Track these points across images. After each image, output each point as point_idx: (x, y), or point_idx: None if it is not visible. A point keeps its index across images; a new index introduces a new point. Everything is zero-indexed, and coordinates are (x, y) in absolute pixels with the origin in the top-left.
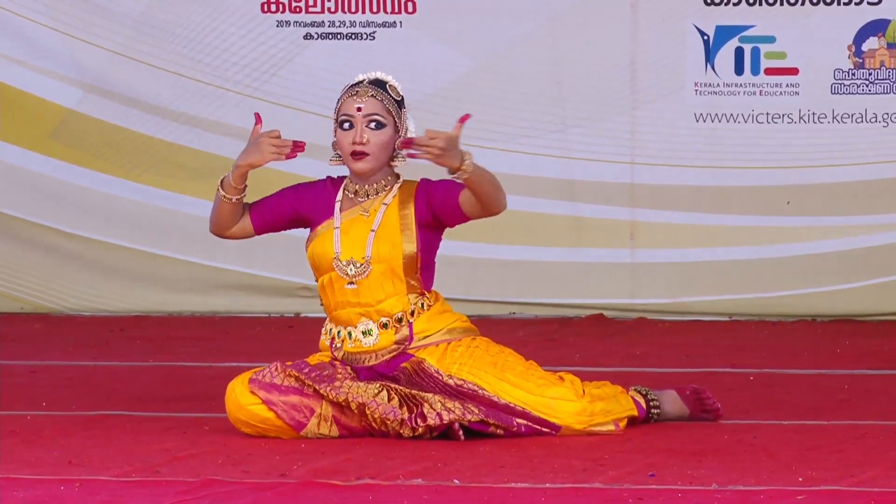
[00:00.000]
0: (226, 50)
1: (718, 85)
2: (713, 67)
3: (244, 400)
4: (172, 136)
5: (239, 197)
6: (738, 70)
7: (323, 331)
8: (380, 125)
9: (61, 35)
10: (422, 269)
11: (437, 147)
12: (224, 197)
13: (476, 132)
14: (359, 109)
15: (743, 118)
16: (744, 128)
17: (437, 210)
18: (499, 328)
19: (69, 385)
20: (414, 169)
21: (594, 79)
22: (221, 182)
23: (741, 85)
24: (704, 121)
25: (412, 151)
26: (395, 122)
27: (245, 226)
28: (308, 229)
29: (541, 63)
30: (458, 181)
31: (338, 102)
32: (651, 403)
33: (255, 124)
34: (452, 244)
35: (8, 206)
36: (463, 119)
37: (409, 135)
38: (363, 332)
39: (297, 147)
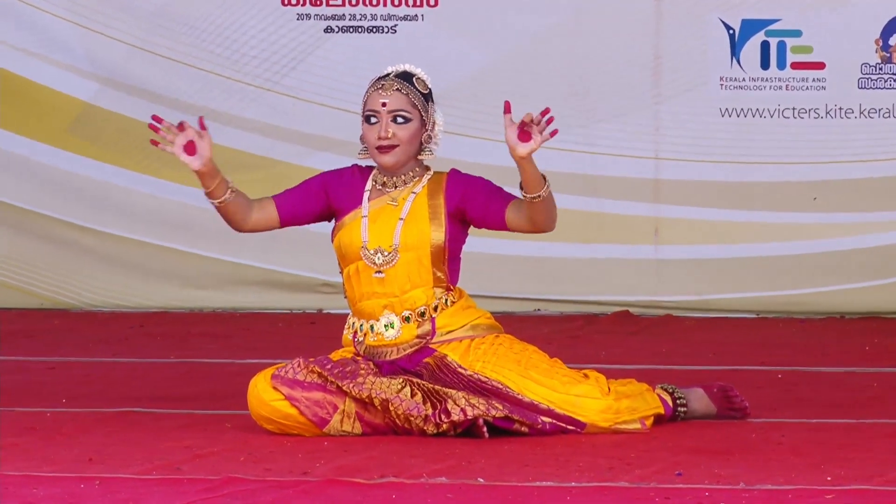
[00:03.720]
0: (245, 43)
1: (744, 79)
2: (739, 62)
3: (267, 396)
4: None
5: (225, 197)
6: (764, 64)
7: (346, 325)
8: (405, 119)
9: (78, 28)
10: (448, 261)
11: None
12: (213, 203)
13: (498, 126)
14: (384, 104)
15: (769, 113)
16: (770, 123)
17: (474, 213)
18: (523, 325)
19: (88, 382)
20: (442, 163)
21: (617, 73)
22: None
23: (767, 79)
24: (730, 116)
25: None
26: (422, 115)
27: (270, 217)
28: (332, 221)
29: (563, 57)
30: (529, 198)
31: (364, 96)
32: (678, 401)
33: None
34: (475, 241)
35: (25, 200)
36: (507, 107)
37: (436, 129)
38: (385, 326)
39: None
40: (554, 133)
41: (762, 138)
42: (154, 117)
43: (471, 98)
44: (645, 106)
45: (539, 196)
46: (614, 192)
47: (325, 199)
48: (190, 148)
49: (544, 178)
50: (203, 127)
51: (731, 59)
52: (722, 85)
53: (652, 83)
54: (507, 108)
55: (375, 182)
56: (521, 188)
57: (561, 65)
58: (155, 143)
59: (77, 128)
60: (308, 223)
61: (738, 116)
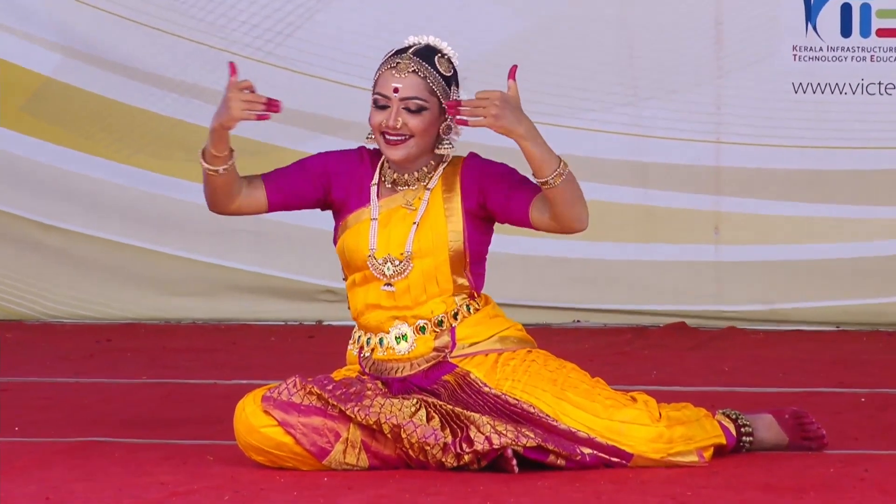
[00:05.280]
0: (232, 7)
1: (821, 49)
2: (815, 28)
3: (256, 421)
4: (170, 110)
5: (226, 167)
6: (845, 31)
7: (350, 340)
8: (420, 108)
9: None
10: (471, 266)
11: (492, 106)
12: (209, 170)
13: (532, 105)
14: (395, 90)
15: (850, 88)
16: (851, 100)
17: (495, 208)
18: (560, 339)
19: (47, 406)
20: (463, 147)
21: (672, 42)
22: (203, 153)
23: (848, 49)
24: (804, 92)
25: (462, 118)
26: (440, 102)
27: (257, 200)
28: (329, 210)
29: (609, 23)
30: (539, 183)
31: (376, 73)
32: (742, 429)
33: (230, 76)
34: (504, 239)
35: None
36: (512, 72)
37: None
38: (396, 338)
39: (272, 106)
40: (466, 122)
41: (842, 118)
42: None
43: (498, 73)
44: (704, 80)
45: (547, 182)
46: (667, 182)
47: (325, 187)
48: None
49: (559, 160)
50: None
51: (806, 25)
52: (795, 56)
53: (713, 54)
54: (511, 74)
55: (384, 177)
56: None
57: (606, 32)
58: (264, 116)
59: (34, 105)
60: (301, 209)
61: (814, 92)
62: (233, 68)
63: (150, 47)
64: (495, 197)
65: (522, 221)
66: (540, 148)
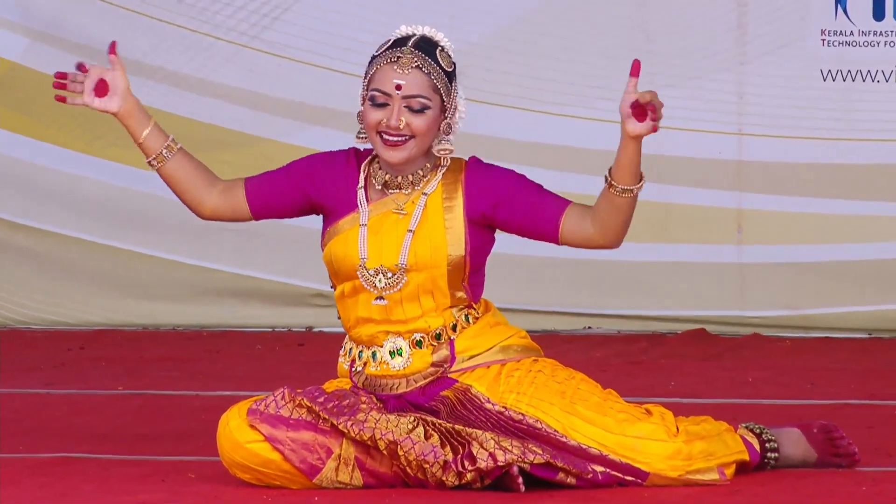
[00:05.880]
0: None
1: (852, 33)
2: (845, 11)
3: (242, 436)
4: (148, 98)
5: (158, 155)
6: (878, 14)
7: (342, 351)
8: (423, 107)
9: None
10: (470, 276)
11: (660, 110)
12: (148, 163)
13: (538, 93)
14: (398, 87)
15: (883, 76)
16: (884, 89)
17: (513, 223)
18: (569, 347)
19: (15, 419)
20: (460, 139)
21: (691, 25)
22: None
23: (881, 33)
24: (833, 79)
25: (656, 124)
26: (443, 100)
27: (237, 206)
28: (319, 215)
29: (623, 4)
30: (618, 191)
31: (371, 65)
32: (767, 445)
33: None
34: (507, 239)
35: None
36: (635, 68)
37: (458, 115)
38: (391, 352)
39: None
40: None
41: (874, 108)
42: (58, 74)
43: (501, 58)
44: (726, 67)
45: (631, 191)
46: (686, 177)
47: (309, 194)
48: (102, 89)
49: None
50: (113, 52)
51: (836, 7)
52: (824, 40)
53: (735, 38)
54: (635, 70)
55: (374, 179)
56: (610, 175)
57: (620, 14)
58: (62, 99)
59: None
60: (288, 217)
61: (845, 80)
62: (112, 47)
63: (127, 31)
64: (515, 211)
65: (550, 236)
66: (639, 154)
